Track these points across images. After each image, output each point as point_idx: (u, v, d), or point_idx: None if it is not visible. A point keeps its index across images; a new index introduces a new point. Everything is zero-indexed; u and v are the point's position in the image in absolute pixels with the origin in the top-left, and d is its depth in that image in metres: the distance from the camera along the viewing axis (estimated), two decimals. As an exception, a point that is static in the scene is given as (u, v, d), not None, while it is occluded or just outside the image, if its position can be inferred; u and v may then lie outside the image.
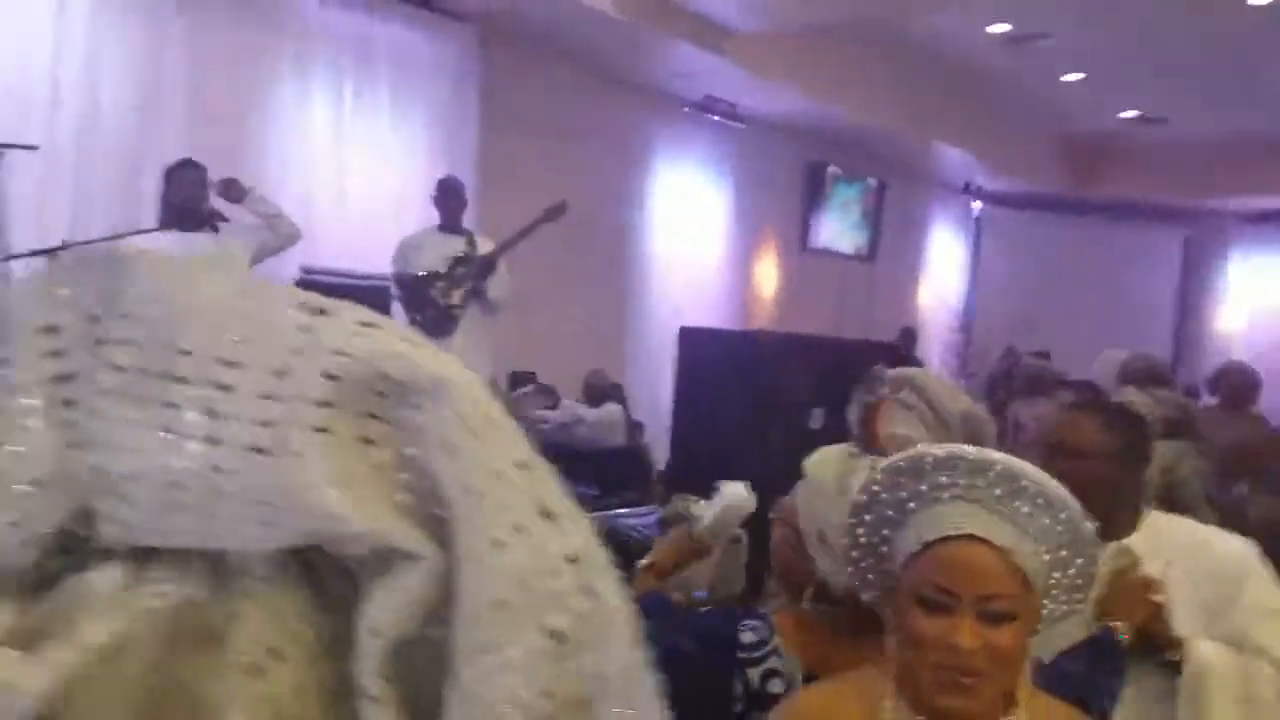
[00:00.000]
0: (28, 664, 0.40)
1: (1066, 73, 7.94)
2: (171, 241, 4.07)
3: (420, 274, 4.66)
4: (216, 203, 4.26)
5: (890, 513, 1.16)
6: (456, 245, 4.71)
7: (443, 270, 4.67)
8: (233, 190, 4.27)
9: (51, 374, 0.44)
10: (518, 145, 6.27)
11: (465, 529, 0.42)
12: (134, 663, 0.41)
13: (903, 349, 7.16)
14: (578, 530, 0.44)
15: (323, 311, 0.45)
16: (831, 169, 8.94)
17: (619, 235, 7.21)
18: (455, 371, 0.44)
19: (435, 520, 0.43)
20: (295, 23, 5.48)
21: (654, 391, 6.81)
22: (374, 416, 0.44)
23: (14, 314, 0.45)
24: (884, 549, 1.18)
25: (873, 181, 9.50)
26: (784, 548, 1.47)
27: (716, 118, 7.60)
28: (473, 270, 4.64)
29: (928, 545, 1.11)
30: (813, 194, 8.91)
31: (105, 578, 0.43)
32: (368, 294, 5.22)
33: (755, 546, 1.85)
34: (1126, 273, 10.77)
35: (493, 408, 0.44)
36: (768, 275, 8.63)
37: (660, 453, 5.63)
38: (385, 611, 0.42)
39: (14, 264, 3.73)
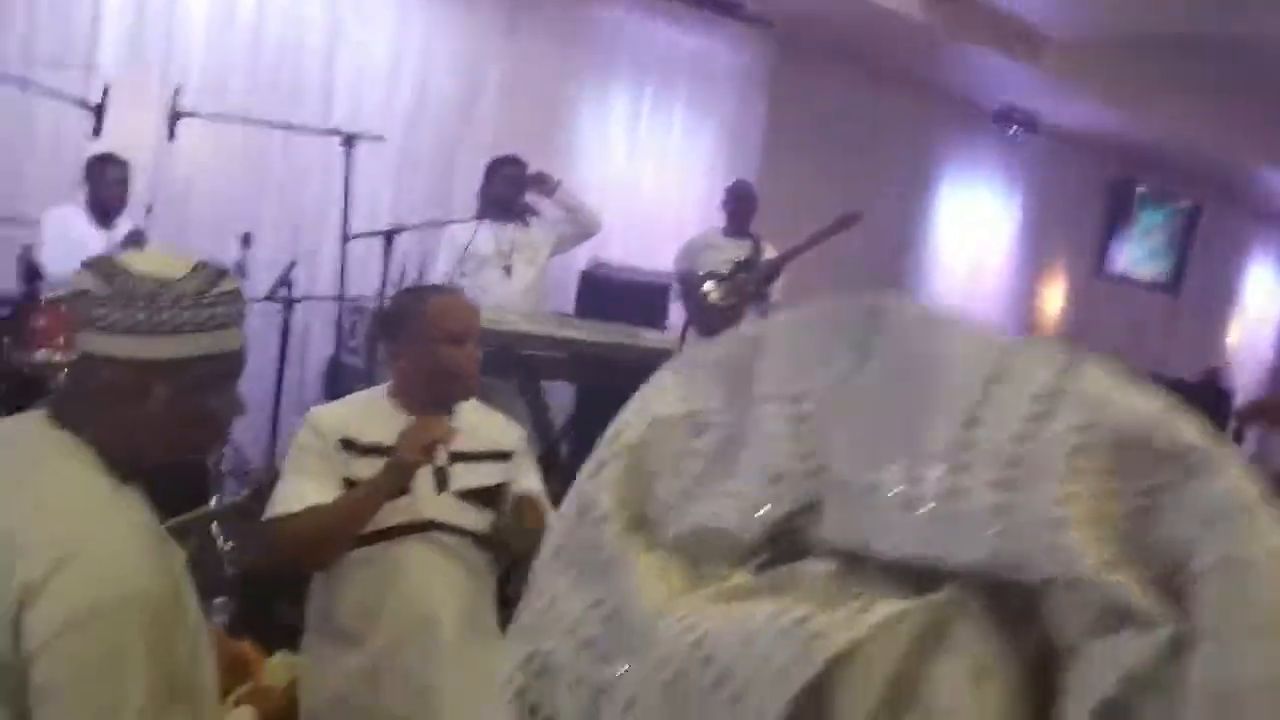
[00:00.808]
0: (837, 627, 0.43)
1: None
2: (485, 230, 4.38)
3: (702, 274, 4.74)
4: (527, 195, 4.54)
5: None
6: (741, 249, 4.76)
7: (724, 272, 4.72)
8: (545, 184, 4.53)
9: (792, 394, 0.52)
10: (801, 153, 6.24)
11: (1215, 608, 0.40)
12: (885, 658, 0.43)
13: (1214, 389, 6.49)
14: None
15: (1070, 366, 0.46)
16: (1140, 189, 8.25)
17: (899, 248, 7.01)
18: (1216, 443, 0.43)
19: (1176, 591, 0.42)
20: (604, 35, 5.76)
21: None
22: (1125, 475, 0.44)
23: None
24: None
25: (1185, 204, 8.68)
26: None
27: (1014, 129, 7.21)
28: (756, 275, 4.66)
29: None
30: (1114, 215, 8.26)
31: (819, 569, 0.47)
32: (649, 289, 5.41)
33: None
34: None
35: (1256, 485, 0.43)
36: (1054, 299, 8.10)
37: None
38: (1104, 674, 0.41)
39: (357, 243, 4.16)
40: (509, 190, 4.46)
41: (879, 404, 0.48)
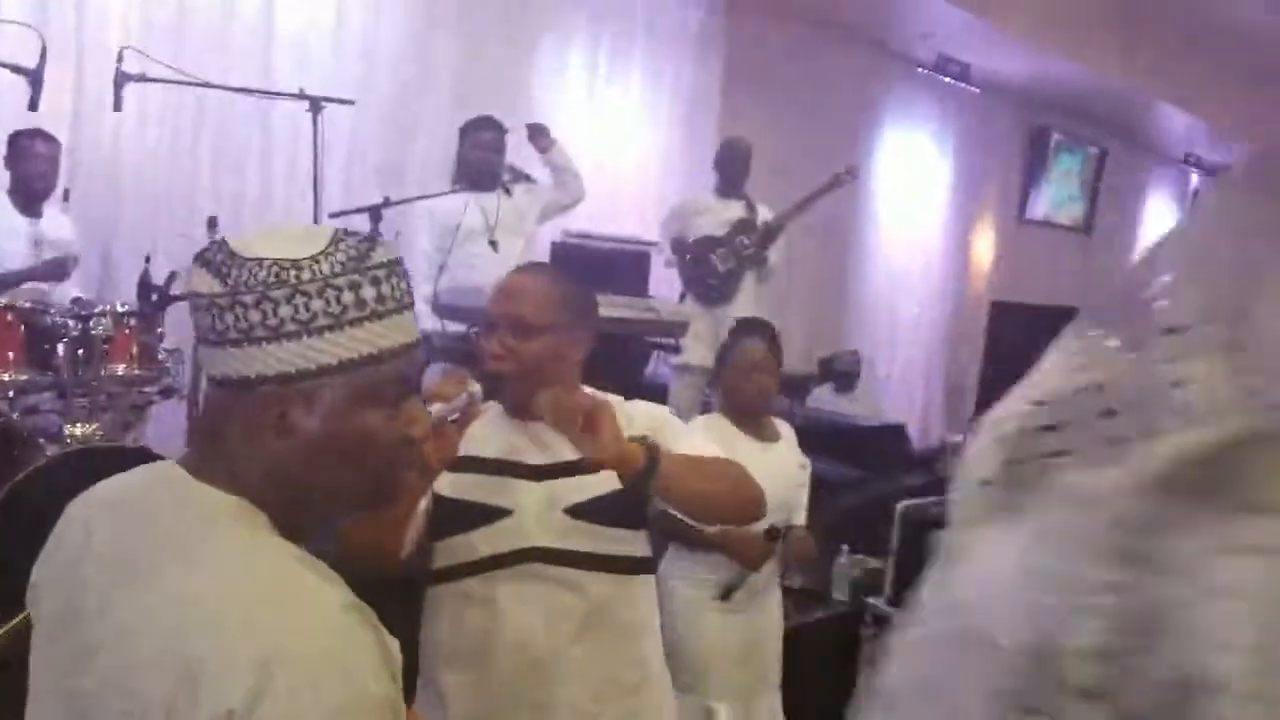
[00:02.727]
0: None
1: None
2: (463, 202, 4.02)
3: (700, 239, 4.52)
4: (515, 153, 4.18)
5: None
6: (736, 210, 4.56)
7: (721, 235, 4.51)
8: (541, 138, 4.19)
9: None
10: (757, 110, 6.06)
11: None
12: None
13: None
14: None
15: None
16: (1055, 136, 8.44)
17: (842, 198, 6.93)
18: None
19: None
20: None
21: (871, 356, 6.56)
22: None
23: None
24: None
25: (1094, 150, 8.95)
26: None
27: (948, 80, 7.22)
28: (757, 236, 4.46)
29: None
30: (1034, 162, 8.44)
31: None
32: (628, 258, 5.15)
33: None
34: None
35: None
36: (984, 245, 8.23)
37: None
38: None
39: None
40: (489, 156, 4.11)
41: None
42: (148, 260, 3.16)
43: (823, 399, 5.68)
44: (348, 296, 0.89)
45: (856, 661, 3.48)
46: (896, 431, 5.01)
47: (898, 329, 7.44)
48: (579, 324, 1.65)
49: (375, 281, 0.91)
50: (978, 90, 7.45)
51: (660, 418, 1.68)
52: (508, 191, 4.15)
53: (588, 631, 1.59)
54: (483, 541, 1.58)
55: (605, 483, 1.57)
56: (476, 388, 1.47)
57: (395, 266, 0.93)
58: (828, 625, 3.51)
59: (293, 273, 0.88)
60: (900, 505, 3.53)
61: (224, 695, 0.78)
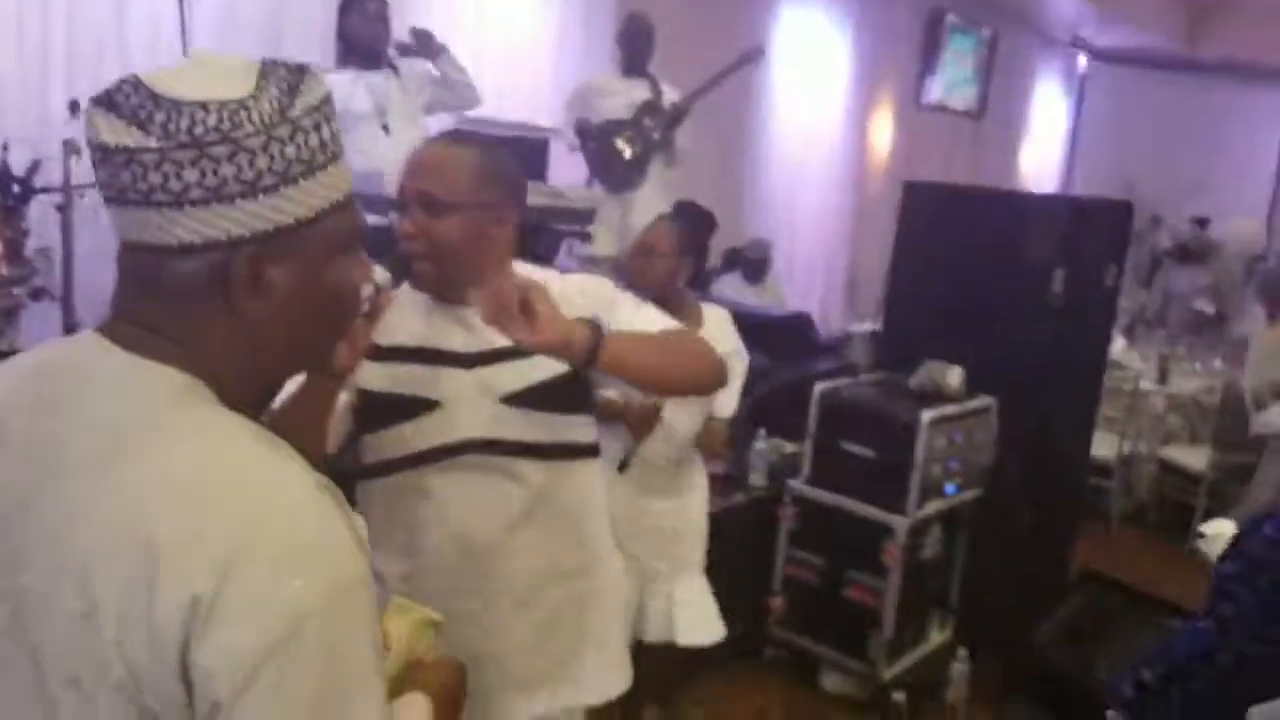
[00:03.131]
0: None
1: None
2: (349, 81, 3.76)
3: (604, 123, 4.34)
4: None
5: None
6: (641, 91, 4.39)
7: (628, 118, 4.35)
8: (429, 45, 3.93)
9: None
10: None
11: None
12: None
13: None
14: None
15: None
16: (950, 17, 8.41)
17: (742, 88, 6.79)
18: None
19: None
20: None
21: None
22: None
23: None
24: None
25: (986, 33, 8.98)
26: None
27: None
28: (663, 119, 4.31)
29: None
30: (929, 46, 8.42)
31: None
32: (527, 145, 4.93)
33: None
34: (1230, 134, 10.34)
35: None
36: (882, 131, 8.23)
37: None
38: None
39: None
40: (373, 29, 3.84)
41: None
42: (4, 148, 2.85)
43: (727, 289, 5.64)
44: (301, 142, 0.81)
45: (774, 541, 3.54)
46: (803, 320, 5.02)
47: (796, 218, 7.41)
48: (504, 200, 1.51)
49: (326, 120, 0.84)
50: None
51: (598, 291, 1.56)
52: (395, 70, 3.90)
53: (528, 519, 1.52)
54: (414, 435, 1.48)
55: (543, 367, 1.47)
56: (384, 276, 1.35)
57: (329, 101, 0.86)
58: (747, 509, 3.54)
59: (239, 115, 0.78)
60: (817, 388, 3.54)
61: (187, 580, 0.71)
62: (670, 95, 4.39)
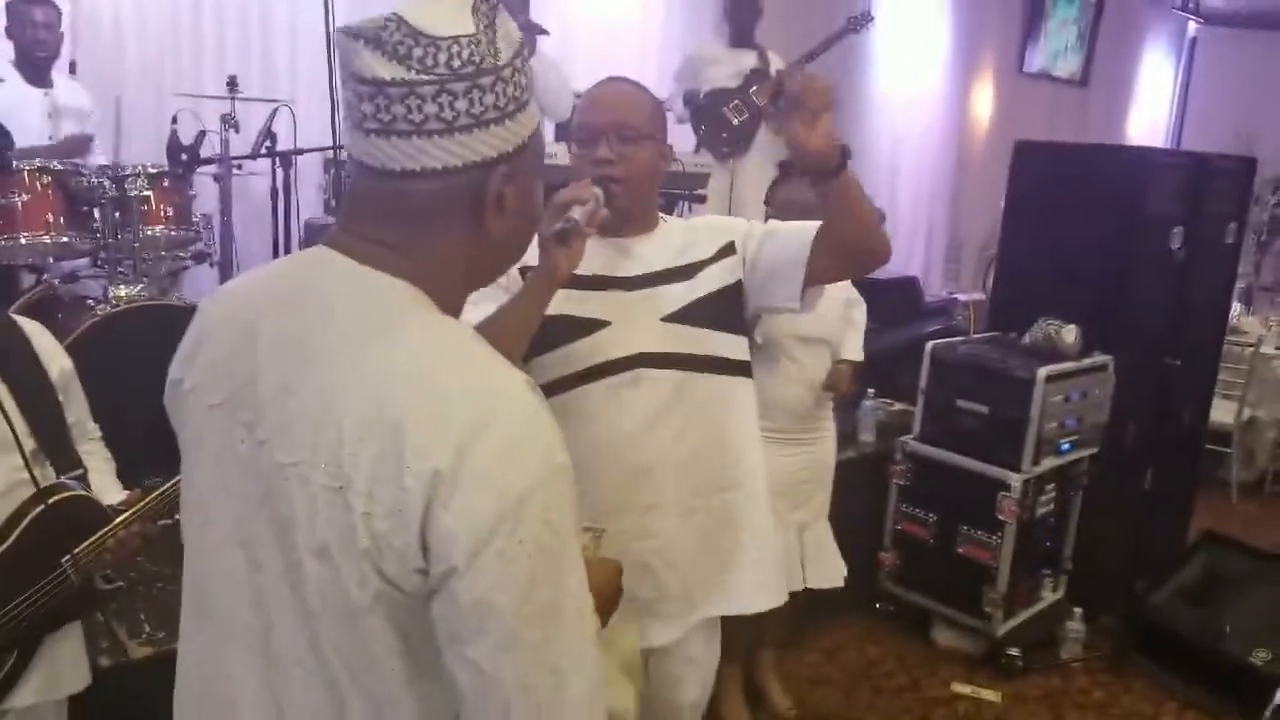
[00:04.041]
0: None
1: None
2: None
3: (712, 91, 4.42)
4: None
5: None
6: (748, 60, 4.46)
7: (735, 86, 4.42)
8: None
9: None
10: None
11: None
12: None
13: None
14: None
15: None
16: (1054, -16, 8.23)
17: (846, 50, 6.78)
18: None
19: None
20: None
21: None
22: None
23: None
24: None
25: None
26: None
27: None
28: (769, 86, 4.37)
29: None
30: (1032, 14, 8.24)
31: None
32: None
33: None
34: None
35: None
36: (983, 99, 8.11)
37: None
38: None
39: None
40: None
41: None
42: (174, 121, 3.06)
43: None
44: (520, 74, 0.91)
45: (885, 497, 3.60)
46: (910, 283, 5.03)
47: (898, 185, 7.39)
48: (664, 138, 1.66)
49: (522, 47, 0.93)
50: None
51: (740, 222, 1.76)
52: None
53: (688, 431, 1.64)
54: (586, 351, 1.60)
55: (699, 287, 1.62)
56: (600, 192, 1.50)
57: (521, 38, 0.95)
58: (859, 464, 3.60)
59: (475, 49, 0.88)
60: (929, 345, 3.58)
61: (431, 454, 0.79)
62: (777, 63, 4.44)
